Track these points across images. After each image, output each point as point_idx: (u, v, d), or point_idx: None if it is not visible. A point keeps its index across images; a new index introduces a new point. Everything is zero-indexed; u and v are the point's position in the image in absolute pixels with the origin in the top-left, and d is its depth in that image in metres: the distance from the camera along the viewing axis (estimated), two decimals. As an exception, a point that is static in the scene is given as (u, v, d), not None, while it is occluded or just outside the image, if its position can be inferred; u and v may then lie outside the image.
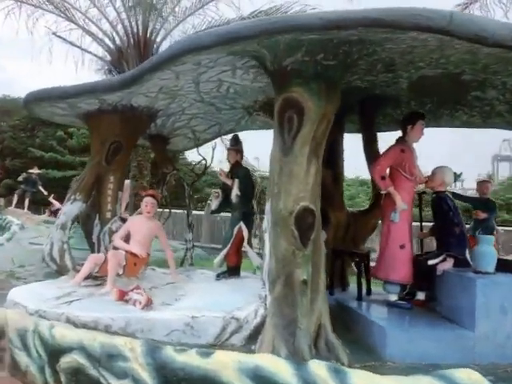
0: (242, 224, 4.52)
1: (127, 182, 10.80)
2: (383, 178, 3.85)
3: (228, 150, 4.83)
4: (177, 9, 9.39)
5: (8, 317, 3.41)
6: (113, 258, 4.55)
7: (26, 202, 16.60)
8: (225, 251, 4.47)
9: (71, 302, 4.08)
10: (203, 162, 6.00)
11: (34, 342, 3.27)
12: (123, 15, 9.23)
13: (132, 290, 4.07)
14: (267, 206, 3.49)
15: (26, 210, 16.11)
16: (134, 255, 4.77)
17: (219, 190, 4.73)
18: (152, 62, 3.79)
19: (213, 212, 4.84)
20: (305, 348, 3.04)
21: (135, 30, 9.15)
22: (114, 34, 9.34)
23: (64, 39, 9.68)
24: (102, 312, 3.61)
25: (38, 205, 19.18)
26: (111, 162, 5.44)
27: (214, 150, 5.91)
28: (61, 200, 17.90)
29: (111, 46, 9.39)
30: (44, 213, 17.66)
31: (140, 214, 5.32)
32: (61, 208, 17.51)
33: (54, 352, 3.16)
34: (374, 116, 4.89)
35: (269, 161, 3.48)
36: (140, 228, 4.92)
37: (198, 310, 3.33)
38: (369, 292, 4.31)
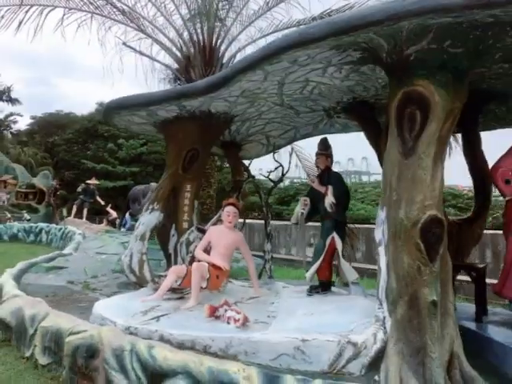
0: (335, 234, 4.15)
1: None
2: (508, 181, 3.38)
3: (317, 154, 4.49)
4: (243, 12, 9.24)
5: (103, 335, 3.21)
6: (197, 270, 4.30)
7: (85, 211, 17.00)
8: (317, 264, 4.12)
9: (159, 317, 3.85)
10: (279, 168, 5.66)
11: (132, 363, 3.04)
12: (189, 23, 9.17)
13: (222, 306, 3.79)
14: (381, 215, 3.11)
15: (84, 219, 16.49)
16: (217, 268, 4.51)
17: (308, 198, 4.38)
18: (248, 59, 3.53)
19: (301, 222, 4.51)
20: (440, 381, 2.62)
21: (200, 37, 9.04)
22: (181, 42, 9.28)
23: (134, 49, 9.75)
24: (197, 330, 3.34)
25: (93, 214, 19.68)
26: (188, 170, 5.24)
27: (291, 155, 5.58)
28: (116, 210, 18.29)
29: (178, 54, 9.33)
30: (101, 222, 18.08)
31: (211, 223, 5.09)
32: (117, 217, 17.76)
33: (156, 376, 2.91)
34: (478, 113, 4.40)
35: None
36: (222, 239, 4.66)
37: (308, 333, 2.97)
38: (485, 312, 3.81)
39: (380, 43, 2.92)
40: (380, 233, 3.08)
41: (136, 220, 15.29)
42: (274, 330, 3.15)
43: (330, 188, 4.05)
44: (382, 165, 4.76)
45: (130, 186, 27.63)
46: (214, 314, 3.74)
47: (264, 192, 5.73)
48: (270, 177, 5.70)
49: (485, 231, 4.17)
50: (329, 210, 4.00)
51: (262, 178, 6.34)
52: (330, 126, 5.70)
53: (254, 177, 5.76)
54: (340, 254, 4.16)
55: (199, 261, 4.61)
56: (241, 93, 4.46)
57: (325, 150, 4.48)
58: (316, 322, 3.22)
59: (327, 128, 5.75)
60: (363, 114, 4.95)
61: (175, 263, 5.26)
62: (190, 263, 5.09)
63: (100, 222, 18.54)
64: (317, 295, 4.15)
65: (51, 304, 4.46)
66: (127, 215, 16.47)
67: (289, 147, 6.79)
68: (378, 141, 4.89)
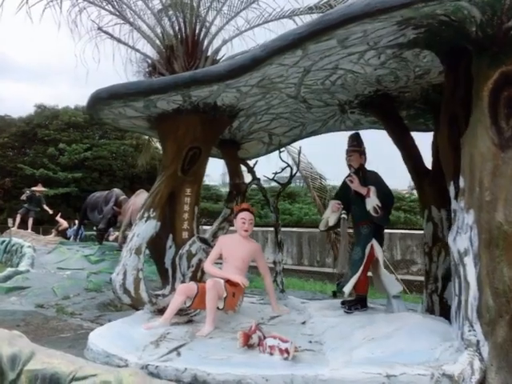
0: (374, 242, 3.65)
1: (139, 193, 9.79)
2: None
3: (350, 151, 3.97)
4: (228, 3, 8.51)
5: (124, 381, 2.46)
6: (213, 289, 3.64)
7: (30, 221, 15.46)
8: (356, 276, 3.59)
9: (177, 349, 3.15)
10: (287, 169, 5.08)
11: (170, 420, 2.33)
12: (169, 11, 8.31)
13: (255, 331, 3.15)
14: (466, 219, 2.63)
15: (29, 230, 15.00)
16: (233, 284, 3.86)
17: (339, 201, 3.84)
18: (290, 37, 2.94)
19: (330, 228, 3.97)
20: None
21: (182, 26, 8.25)
22: (162, 31, 8.38)
23: (111, 35, 8.68)
24: (238, 366, 2.69)
25: (36, 225, 17.99)
26: (188, 171, 4.52)
27: (299, 153, 5.02)
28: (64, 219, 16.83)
29: (159, 44, 8.45)
30: (47, 233, 16.52)
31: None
32: (67, 227, 16.39)
33: None
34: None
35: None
36: (237, 250, 4.02)
37: (390, 366, 2.42)
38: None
39: (471, 14, 2.46)
40: (466, 240, 2.60)
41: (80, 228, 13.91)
42: (341, 364, 2.56)
43: (373, 189, 3.55)
44: (412, 166, 4.37)
45: (73, 193, 25.93)
46: (247, 342, 3.09)
47: (268, 195, 5.12)
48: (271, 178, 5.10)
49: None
50: (373, 214, 3.49)
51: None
52: (341, 123, 5.24)
53: (259, 179, 5.14)
54: (381, 263, 3.66)
55: (212, 277, 3.94)
56: (259, 81, 3.86)
57: (358, 146, 3.98)
58: (387, 349, 2.67)
59: (337, 125, 5.28)
60: (385, 108, 4.52)
61: (173, 279, 4.52)
62: (193, 279, 4.40)
63: (46, 233, 16.97)
64: (357, 312, 3.62)
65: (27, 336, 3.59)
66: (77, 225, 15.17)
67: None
68: (402, 136, 4.50)
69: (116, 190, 10.72)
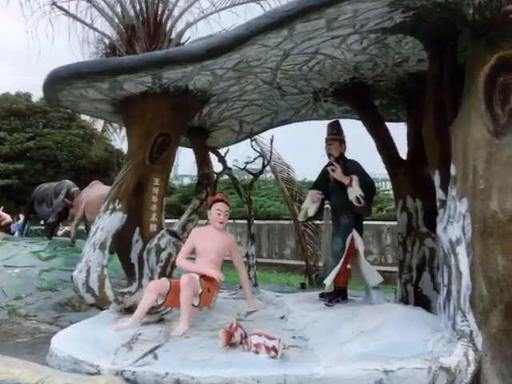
0: (355, 232, 3.56)
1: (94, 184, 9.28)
2: None
3: (329, 140, 3.83)
4: None
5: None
6: (188, 284, 3.41)
7: (-35, 216, 14.33)
8: (338, 268, 3.48)
9: (153, 351, 2.91)
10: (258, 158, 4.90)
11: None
12: None
13: (236, 329, 2.97)
14: (458, 207, 2.58)
15: (-35, 225, 13.91)
16: (208, 279, 3.65)
17: (320, 191, 3.71)
18: (277, 15, 2.76)
19: (309, 219, 3.84)
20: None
21: (143, 6, 7.73)
22: (122, 10, 7.81)
23: (67, 11, 7.95)
24: (224, 367, 2.50)
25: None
26: (156, 159, 4.23)
27: (272, 142, 4.85)
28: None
29: (119, 23, 7.87)
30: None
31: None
32: (11, 221, 15.41)
33: None
34: None
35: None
36: (212, 243, 3.80)
37: (385, 360, 2.32)
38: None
39: (470, -4, 2.38)
40: (458, 229, 2.55)
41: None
42: (335, 361, 2.43)
43: (356, 178, 3.45)
44: (386, 156, 4.33)
45: (15, 185, 24.34)
46: (230, 341, 2.91)
47: (242, 187, 4.92)
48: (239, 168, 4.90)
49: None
50: (356, 204, 3.39)
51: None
52: (313, 112, 5.13)
53: (230, 169, 4.92)
54: (362, 254, 3.58)
55: (186, 272, 3.71)
56: (236, 64, 3.66)
57: (338, 134, 3.86)
58: (379, 342, 2.58)
59: (309, 114, 5.17)
60: (360, 97, 4.46)
61: (140, 276, 4.23)
62: (162, 275, 4.15)
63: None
64: (338, 305, 3.52)
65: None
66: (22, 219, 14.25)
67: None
68: (376, 125, 4.45)
69: (67, 182, 10.06)
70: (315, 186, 3.86)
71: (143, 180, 4.25)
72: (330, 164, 3.73)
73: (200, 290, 3.52)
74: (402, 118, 5.30)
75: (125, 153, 7.06)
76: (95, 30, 8.24)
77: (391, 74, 4.21)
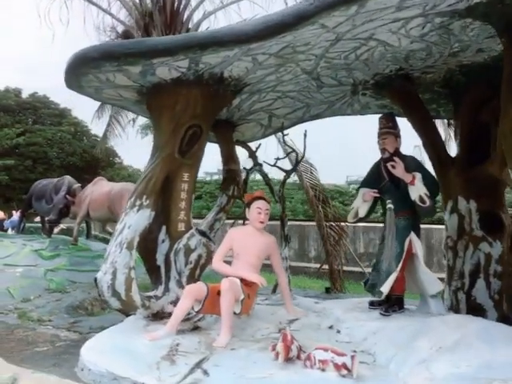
0: (413, 236, 3.25)
1: (98, 181, 8.90)
2: None
3: (383, 133, 3.51)
4: None
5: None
6: (229, 290, 3.08)
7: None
8: (395, 275, 3.17)
9: (200, 365, 2.57)
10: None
11: None
12: None
13: (292, 342, 2.64)
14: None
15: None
16: (247, 284, 3.32)
17: (375, 190, 3.38)
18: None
19: (360, 220, 3.52)
20: None
21: None
22: None
23: None
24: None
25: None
26: (187, 153, 3.89)
27: (306, 136, 4.51)
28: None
29: (136, 10, 7.44)
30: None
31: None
32: (4, 218, 14.92)
33: None
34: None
35: None
36: (251, 245, 3.47)
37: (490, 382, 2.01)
38: None
39: None
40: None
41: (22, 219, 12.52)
42: (425, 382, 2.11)
43: (419, 176, 3.14)
44: (434, 154, 4.04)
45: (4, 182, 23.64)
46: (288, 355, 2.58)
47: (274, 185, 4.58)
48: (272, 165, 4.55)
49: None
50: (419, 203, 3.09)
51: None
52: (348, 106, 4.83)
53: (261, 165, 4.58)
54: (421, 259, 3.27)
55: (224, 276, 3.38)
56: (281, 48, 3.34)
57: (394, 127, 3.54)
58: (470, 362, 2.25)
59: (344, 108, 4.87)
60: (405, 90, 4.16)
61: (167, 279, 3.88)
62: (191, 278, 3.81)
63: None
64: (396, 315, 3.20)
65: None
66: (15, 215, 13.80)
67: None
68: (424, 121, 4.17)
69: (68, 178, 9.63)
70: (366, 183, 3.54)
71: (171, 175, 3.90)
72: (387, 160, 3.40)
73: (242, 296, 3.18)
74: (442, 115, 5.04)
75: (115, 150, 6.67)
76: (111, 15, 7.81)
77: (442, 66, 3.93)
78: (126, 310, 3.54)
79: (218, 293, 3.28)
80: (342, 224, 6.14)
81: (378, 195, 3.29)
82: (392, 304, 3.23)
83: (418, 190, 3.07)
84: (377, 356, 2.60)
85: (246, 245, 3.46)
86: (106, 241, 10.48)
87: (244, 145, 4.78)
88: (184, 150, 3.88)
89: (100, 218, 8.55)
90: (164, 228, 3.96)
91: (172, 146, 3.82)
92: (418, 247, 3.27)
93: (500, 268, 3.70)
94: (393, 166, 3.14)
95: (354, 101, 4.72)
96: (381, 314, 3.20)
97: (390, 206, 3.25)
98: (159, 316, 3.65)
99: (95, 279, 3.49)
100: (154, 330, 3.25)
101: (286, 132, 4.69)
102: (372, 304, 3.43)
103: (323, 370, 2.42)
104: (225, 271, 3.41)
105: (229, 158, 4.73)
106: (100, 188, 8.53)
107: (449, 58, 3.75)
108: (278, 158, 4.55)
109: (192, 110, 3.83)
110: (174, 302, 3.74)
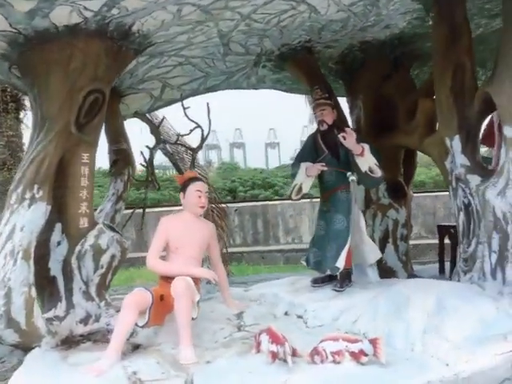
0: (356, 208, 3.20)
1: None
2: None
3: (321, 104, 3.28)
4: None
5: None
6: (186, 292, 2.54)
7: None
8: (347, 248, 3.07)
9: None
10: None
11: None
12: None
13: (286, 340, 2.33)
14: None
15: None
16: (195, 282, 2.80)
17: (323, 164, 3.14)
18: None
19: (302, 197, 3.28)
20: None
21: None
22: None
23: None
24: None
25: None
26: (85, 127, 3.01)
27: (209, 110, 4.02)
28: None
29: None
30: None
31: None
32: None
33: None
34: None
35: None
36: (191, 235, 2.92)
37: (506, 339, 2.11)
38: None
39: None
40: None
41: None
42: (455, 354, 2.08)
43: (367, 147, 3.06)
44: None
45: None
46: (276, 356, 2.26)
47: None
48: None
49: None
50: (371, 174, 3.02)
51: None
52: (245, 79, 4.57)
53: (165, 142, 3.89)
54: (364, 230, 3.27)
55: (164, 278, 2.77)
56: (214, 1, 2.86)
57: (330, 98, 3.37)
58: (472, 324, 2.31)
59: (241, 81, 4.59)
60: (308, 63, 4.14)
61: (68, 292, 2.98)
62: (102, 286, 3.08)
63: None
64: (349, 289, 3.12)
65: None
66: None
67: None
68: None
69: None
70: (304, 157, 3.33)
71: (67, 156, 2.98)
72: (325, 132, 3.24)
73: (198, 297, 2.65)
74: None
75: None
76: None
77: (346, 40, 4.00)
78: (27, 342, 2.58)
79: (161, 298, 2.68)
80: (224, 205, 5.89)
81: (325, 168, 3.14)
82: (343, 278, 3.16)
83: (367, 161, 3.04)
84: (369, 335, 2.48)
85: (185, 236, 2.88)
86: None
87: (144, 118, 4.00)
88: (82, 122, 2.99)
89: None
90: (58, 226, 3.03)
91: (67, 117, 2.91)
92: (361, 218, 3.28)
93: (405, 231, 4.06)
94: (343, 137, 3.03)
95: (252, 73, 4.48)
96: (334, 290, 3.10)
97: (352, 178, 3.15)
98: (71, 341, 2.78)
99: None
100: (82, 360, 2.45)
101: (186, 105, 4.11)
102: (316, 281, 3.30)
103: (338, 362, 2.17)
104: (168, 270, 2.78)
105: (117, 135, 3.91)
106: None
107: (358, 33, 3.83)
108: (179, 135, 3.96)
109: (92, 71, 2.98)
110: (84, 321, 2.95)
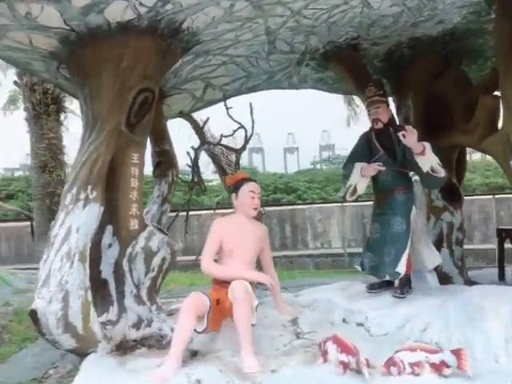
0: (414, 210, 3.05)
1: None
2: None
3: (376, 102, 3.13)
4: None
5: None
6: (246, 297, 2.43)
7: None
8: (407, 253, 2.92)
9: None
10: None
11: None
12: None
13: (356, 353, 2.19)
14: None
15: None
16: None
17: (381, 164, 3.00)
18: None
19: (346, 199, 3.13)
20: None
21: None
22: None
23: None
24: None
25: None
26: (136, 127, 2.95)
27: (252, 110, 3.91)
28: None
29: None
30: None
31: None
32: None
33: None
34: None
35: None
36: (246, 238, 2.82)
37: None
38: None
39: None
40: None
41: None
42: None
43: (429, 145, 2.91)
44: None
45: None
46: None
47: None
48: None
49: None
50: (433, 174, 2.87)
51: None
52: (287, 78, 4.46)
53: (210, 143, 3.80)
54: (424, 232, 3.11)
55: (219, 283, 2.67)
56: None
57: (384, 95, 3.24)
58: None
59: (282, 80, 4.48)
60: (354, 61, 4.01)
61: (119, 295, 2.91)
62: (152, 289, 2.99)
63: None
64: (410, 296, 2.97)
65: None
66: None
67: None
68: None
69: None
70: (358, 157, 3.19)
71: (118, 156, 2.92)
72: (380, 130, 3.10)
73: (256, 302, 2.54)
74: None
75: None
76: None
77: (394, 37, 3.86)
78: (84, 347, 2.50)
79: (218, 302, 2.58)
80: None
81: (383, 168, 3.00)
82: (403, 284, 3.01)
83: (429, 160, 2.89)
84: (442, 345, 2.32)
85: (240, 239, 2.78)
86: None
87: (189, 118, 3.93)
88: (132, 122, 2.93)
89: None
90: (110, 228, 2.96)
91: (117, 117, 2.84)
92: (420, 221, 3.12)
93: (461, 235, 3.87)
94: (403, 136, 2.89)
95: (295, 73, 4.37)
96: (394, 296, 2.95)
97: (415, 178, 3.00)
98: (125, 347, 2.70)
99: (32, 312, 2.35)
100: (139, 367, 2.36)
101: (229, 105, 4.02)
102: (372, 287, 3.15)
103: (418, 374, 2.02)
104: (224, 273, 2.67)
105: (161, 136, 3.84)
106: None
107: (409, 28, 3.68)
108: (222, 136, 3.86)
109: (142, 69, 2.91)
110: (137, 326, 2.86)
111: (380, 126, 3.15)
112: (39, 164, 4.83)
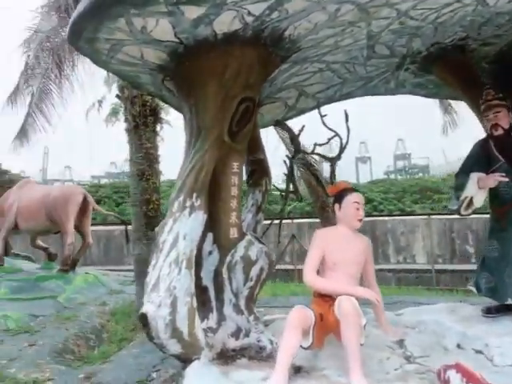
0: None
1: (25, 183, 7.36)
2: None
3: (495, 106, 2.90)
4: None
5: None
6: (355, 313, 2.28)
7: None
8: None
9: None
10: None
11: None
12: None
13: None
14: None
15: None
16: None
17: (503, 174, 2.74)
18: None
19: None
20: None
21: None
22: None
23: None
24: None
25: None
26: (237, 135, 2.96)
27: (347, 117, 3.78)
28: None
29: None
30: None
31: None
32: None
33: None
34: None
35: None
36: (348, 250, 2.69)
37: None
38: None
39: None
40: None
41: None
42: None
43: None
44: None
45: None
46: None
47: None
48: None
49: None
50: None
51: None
52: (384, 84, 4.27)
53: (305, 152, 3.75)
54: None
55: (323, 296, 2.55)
56: (380, -4, 2.63)
57: (504, 99, 2.99)
58: None
59: (379, 86, 4.30)
60: (463, 63, 3.71)
61: (219, 303, 2.91)
62: (250, 299, 2.93)
63: None
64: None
65: None
66: None
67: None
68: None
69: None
70: (472, 167, 2.94)
71: (219, 165, 2.94)
72: (500, 137, 2.84)
73: (364, 321, 2.39)
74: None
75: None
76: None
77: (508, 36, 3.54)
78: (188, 353, 2.51)
79: (321, 317, 2.47)
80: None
81: (506, 179, 2.73)
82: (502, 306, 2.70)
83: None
84: None
85: (343, 251, 2.66)
86: (30, 259, 8.66)
87: (285, 126, 3.91)
88: (234, 131, 2.94)
89: (34, 229, 6.89)
90: (210, 236, 2.98)
91: (221, 126, 2.87)
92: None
93: None
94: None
95: (392, 78, 4.18)
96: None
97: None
98: (225, 356, 2.68)
99: (142, 316, 2.40)
100: (243, 378, 2.32)
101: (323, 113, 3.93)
102: (489, 311, 2.86)
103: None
104: (328, 287, 2.57)
105: (255, 145, 3.83)
106: (30, 192, 6.91)
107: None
108: (316, 144, 3.77)
109: (245, 79, 2.92)
110: (235, 335, 2.83)
111: (500, 132, 2.87)
112: (137, 172, 5.10)
